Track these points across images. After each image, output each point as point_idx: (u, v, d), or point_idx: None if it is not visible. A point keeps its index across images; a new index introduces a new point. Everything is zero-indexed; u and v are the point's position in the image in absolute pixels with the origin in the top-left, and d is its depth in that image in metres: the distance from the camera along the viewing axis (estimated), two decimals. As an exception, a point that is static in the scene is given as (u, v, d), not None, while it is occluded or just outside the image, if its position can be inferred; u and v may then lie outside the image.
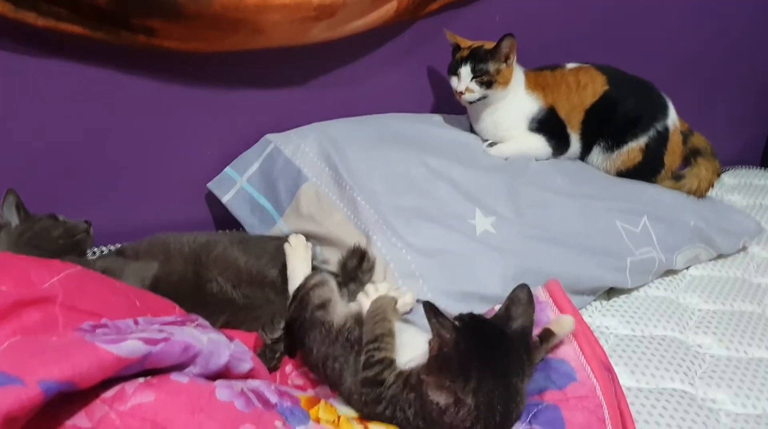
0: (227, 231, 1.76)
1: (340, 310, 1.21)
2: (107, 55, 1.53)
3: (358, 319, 1.17)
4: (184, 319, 1.01)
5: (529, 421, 0.99)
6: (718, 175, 1.94)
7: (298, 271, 1.33)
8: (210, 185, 1.70)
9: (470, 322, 1.02)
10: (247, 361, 0.97)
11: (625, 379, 1.33)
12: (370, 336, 1.10)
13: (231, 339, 0.99)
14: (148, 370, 0.85)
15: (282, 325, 1.26)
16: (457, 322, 0.99)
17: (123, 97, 1.59)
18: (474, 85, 1.73)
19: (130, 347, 0.81)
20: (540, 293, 1.24)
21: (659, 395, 1.28)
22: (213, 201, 1.73)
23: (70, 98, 1.53)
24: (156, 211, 1.72)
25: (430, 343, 1.01)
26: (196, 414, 0.80)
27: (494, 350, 0.98)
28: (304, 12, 1.56)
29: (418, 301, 1.39)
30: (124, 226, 1.67)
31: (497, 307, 1.29)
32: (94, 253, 1.62)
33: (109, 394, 0.80)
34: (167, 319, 1.00)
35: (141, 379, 0.83)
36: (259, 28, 1.55)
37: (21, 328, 0.83)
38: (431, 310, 0.99)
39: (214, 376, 0.93)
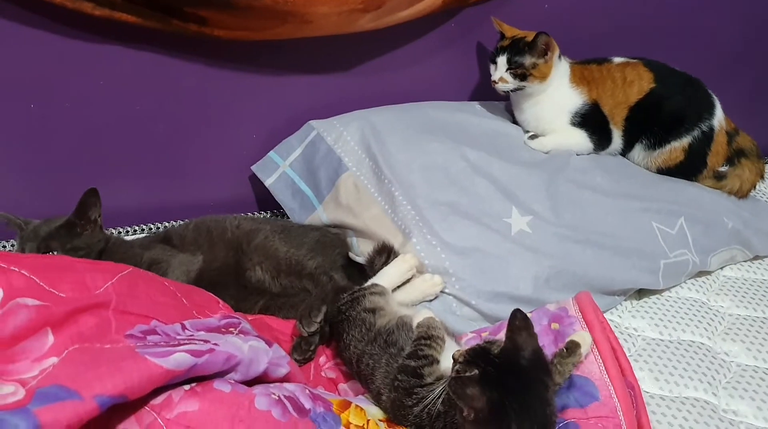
0: (269, 218, 1.81)
1: (386, 316, 1.26)
2: (158, 42, 1.57)
3: (400, 324, 1.22)
4: (227, 323, 1.07)
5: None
6: (762, 177, 1.92)
7: (382, 276, 1.40)
8: (254, 168, 1.75)
9: (486, 366, 0.99)
10: (284, 366, 1.03)
11: (648, 386, 1.36)
12: (424, 333, 1.15)
13: (270, 344, 1.04)
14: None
15: (319, 318, 1.32)
16: (476, 371, 0.99)
17: (173, 82, 1.63)
18: (508, 76, 1.73)
19: (178, 360, 0.87)
20: (570, 306, 1.27)
21: (681, 404, 1.31)
22: (256, 182, 1.78)
23: (123, 82, 1.58)
24: (201, 191, 1.79)
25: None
26: (237, 424, 0.87)
27: (522, 392, 0.98)
28: (351, 4, 1.57)
29: (443, 292, 1.45)
30: (172, 204, 1.74)
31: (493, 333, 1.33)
32: (143, 230, 1.69)
33: (157, 401, 0.87)
34: (212, 322, 1.06)
35: (186, 387, 0.90)
36: (308, 20, 1.57)
37: (78, 335, 0.90)
38: (457, 385, 0.99)
39: (252, 380, 0.99)
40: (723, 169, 1.91)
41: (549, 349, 1.20)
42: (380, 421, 1.10)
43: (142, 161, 1.68)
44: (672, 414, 1.29)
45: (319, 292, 1.43)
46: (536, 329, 1.23)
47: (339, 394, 1.25)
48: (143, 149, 1.67)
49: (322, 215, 1.65)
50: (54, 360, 0.85)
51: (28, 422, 0.74)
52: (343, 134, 1.70)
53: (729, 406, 1.33)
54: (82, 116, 1.57)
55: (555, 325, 1.24)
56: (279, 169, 1.74)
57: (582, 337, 1.17)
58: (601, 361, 1.15)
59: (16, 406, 0.76)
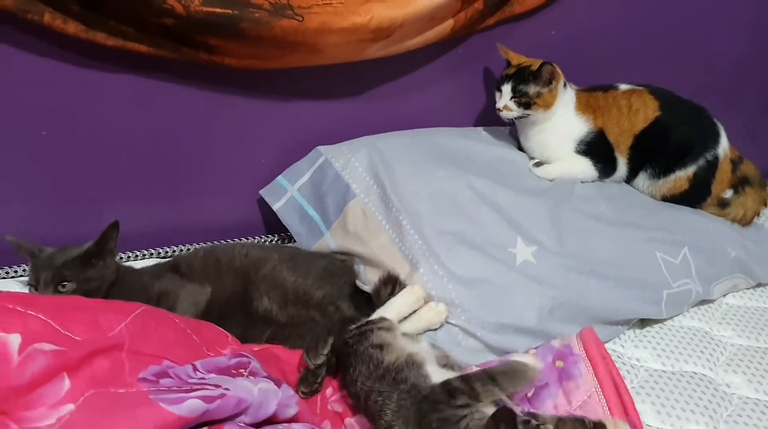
0: (278, 244, 1.83)
1: (394, 352, 1.27)
2: (170, 70, 1.58)
3: (409, 362, 1.23)
4: (237, 363, 1.09)
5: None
6: (765, 205, 1.93)
7: (389, 308, 1.41)
8: (262, 192, 1.76)
9: None
10: (293, 406, 1.06)
11: (650, 419, 1.36)
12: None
13: (279, 384, 1.06)
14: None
15: (326, 350, 1.33)
16: None
17: (183, 108, 1.65)
18: (513, 104, 1.75)
19: (191, 407, 0.89)
20: (574, 344, 1.28)
21: (683, 439, 1.33)
22: (264, 206, 1.80)
23: (134, 109, 1.60)
24: (211, 215, 1.80)
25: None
26: (246, 470, 0.89)
27: None
28: (361, 34, 1.59)
29: (449, 323, 1.46)
30: (181, 228, 1.76)
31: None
32: (152, 255, 1.70)
33: (170, 447, 0.89)
34: (222, 362, 1.08)
35: (199, 431, 0.92)
36: (317, 49, 1.59)
37: (92, 379, 0.91)
38: None
39: (261, 422, 1.01)
40: (727, 195, 1.93)
41: (553, 387, 1.22)
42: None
43: (152, 187, 1.70)
44: (674, 450, 1.30)
45: (326, 322, 1.44)
46: (540, 366, 1.26)
47: (345, 427, 1.27)
48: (154, 175, 1.69)
49: (330, 242, 1.66)
50: (71, 407, 0.87)
51: (46, 474, 0.76)
52: (351, 160, 1.71)
53: (731, 440, 1.35)
54: (93, 143, 1.59)
55: (559, 363, 1.26)
56: (287, 194, 1.75)
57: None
58: (604, 401, 1.17)
59: (36, 458, 0.78)
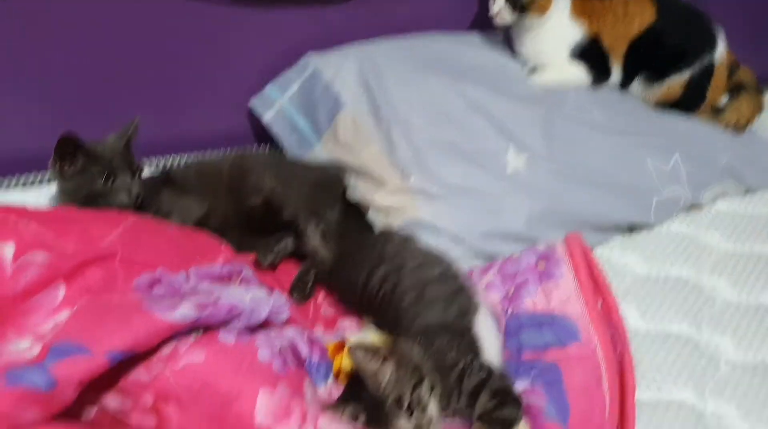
0: (271, 152, 1.82)
1: None
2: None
3: None
4: (230, 271, 1.11)
5: (531, 381, 1.08)
6: (760, 111, 1.92)
7: None
8: (252, 103, 1.74)
9: None
10: (284, 312, 1.08)
11: (635, 321, 1.41)
12: None
13: (271, 291, 1.09)
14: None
15: (277, 247, 1.38)
16: None
17: (168, 16, 1.61)
18: (507, 10, 1.71)
19: (183, 314, 0.92)
20: (559, 247, 1.30)
21: (665, 338, 1.36)
22: (254, 116, 1.78)
23: (116, 18, 1.57)
24: (199, 126, 1.78)
25: None
26: (240, 375, 0.92)
27: None
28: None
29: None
30: (171, 137, 1.74)
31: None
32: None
33: (164, 352, 0.92)
34: (215, 270, 1.10)
35: (192, 337, 0.95)
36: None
37: (86, 288, 0.94)
38: None
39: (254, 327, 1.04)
40: (722, 102, 1.91)
41: (533, 286, 1.25)
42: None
43: (137, 97, 1.67)
44: (656, 348, 1.33)
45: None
46: (523, 267, 1.29)
47: (338, 329, 1.30)
48: (139, 85, 1.66)
49: (321, 152, 1.66)
50: (67, 313, 0.89)
51: (43, 378, 0.79)
52: (341, 70, 1.68)
53: (711, 341, 1.37)
54: (75, 53, 1.56)
55: (541, 265, 1.28)
56: (276, 104, 1.73)
57: None
58: (584, 302, 1.19)
59: (33, 362, 0.81)
